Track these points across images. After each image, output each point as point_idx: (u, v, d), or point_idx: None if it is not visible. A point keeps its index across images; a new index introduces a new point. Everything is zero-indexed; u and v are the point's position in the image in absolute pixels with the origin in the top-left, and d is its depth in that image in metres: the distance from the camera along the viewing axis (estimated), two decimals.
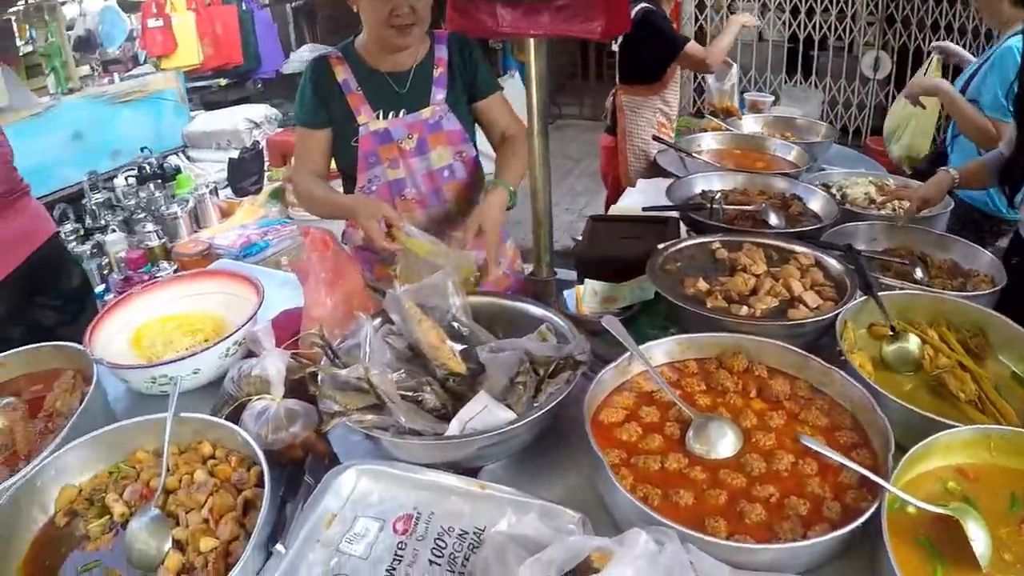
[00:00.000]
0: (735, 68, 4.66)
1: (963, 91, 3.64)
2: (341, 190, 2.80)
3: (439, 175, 2.71)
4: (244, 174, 6.16)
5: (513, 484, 1.63)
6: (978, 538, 1.44)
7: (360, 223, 2.30)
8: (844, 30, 8.34)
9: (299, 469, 1.73)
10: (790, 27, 8.55)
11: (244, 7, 8.46)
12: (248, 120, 6.86)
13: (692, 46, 4.50)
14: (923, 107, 4.13)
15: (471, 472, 1.73)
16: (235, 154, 6.26)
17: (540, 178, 2.11)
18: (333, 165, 2.78)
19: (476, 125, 2.83)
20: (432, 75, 2.67)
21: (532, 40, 1.94)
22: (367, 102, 2.62)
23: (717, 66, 4.67)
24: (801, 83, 8.75)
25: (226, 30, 8.13)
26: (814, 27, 8.42)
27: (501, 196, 2.46)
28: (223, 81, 8.37)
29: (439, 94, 2.67)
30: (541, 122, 2.05)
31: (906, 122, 4.75)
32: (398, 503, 1.60)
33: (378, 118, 2.63)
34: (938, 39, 7.62)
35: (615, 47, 4.69)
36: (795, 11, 8.43)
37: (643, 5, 4.39)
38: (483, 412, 1.61)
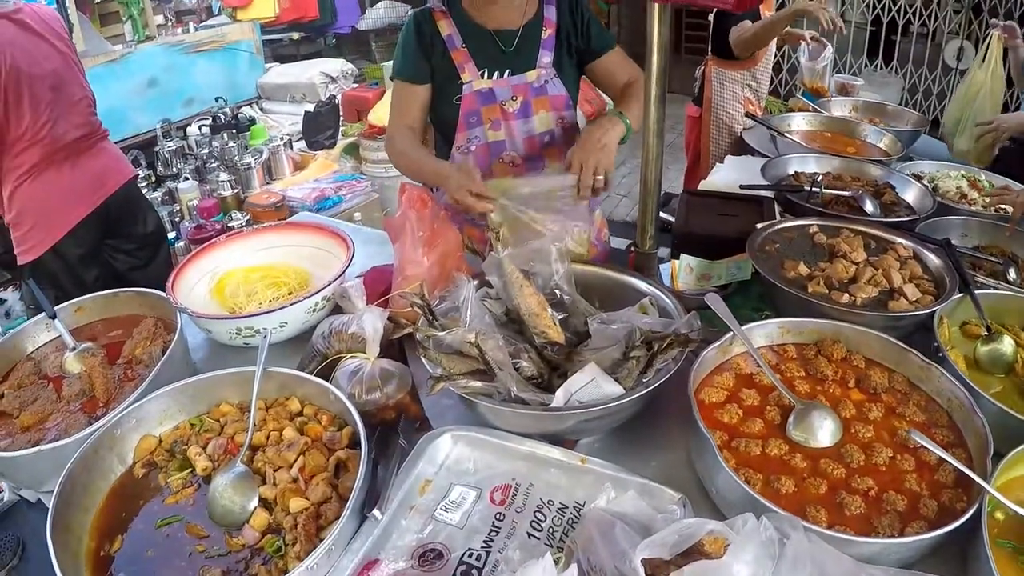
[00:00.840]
0: (829, 49, 4.52)
1: None
2: (432, 147, 2.77)
3: (539, 140, 2.65)
4: (319, 128, 6.14)
5: (608, 459, 1.61)
6: None
7: (450, 194, 2.23)
8: (928, 17, 8.12)
9: (391, 431, 1.72)
10: (873, 10, 8.34)
11: None
12: (324, 74, 6.82)
13: (739, 27, 4.38)
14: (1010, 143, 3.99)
15: (565, 444, 1.70)
16: (310, 107, 6.24)
17: (653, 147, 2.05)
18: None
19: (579, 91, 2.76)
20: (540, 37, 2.60)
21: (656, 6, 1.88)
22: (472, 60, 2.56)
23: (739, 53, 4.52)
24: (881, 68, 8.54)
25: None
26: (898, 11, 8.21)
27: (619, 125, 2.36)
28: (295, 35, 8.35)
29: (546, 57, 2.60)
30: (660, 89, 1.99)
31: (969, 113, 4.33)
32: (495, 472, 1.60)
33: (483, 77, 2.57)
34: None
35: (710, 17, 4.59)
36: None
37: None
38: (590, 385, 1.60)
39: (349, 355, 1.88)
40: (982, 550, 1.36)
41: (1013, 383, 2.02)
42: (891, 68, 8.50)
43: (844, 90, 4.94)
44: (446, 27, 2.55)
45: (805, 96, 4.77)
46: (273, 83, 6.91)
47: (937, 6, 8.04)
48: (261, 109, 6.82)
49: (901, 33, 8.38)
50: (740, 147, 4.17)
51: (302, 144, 6.23)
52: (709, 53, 4.67)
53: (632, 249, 2.21)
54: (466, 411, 1.73)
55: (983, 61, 4.11)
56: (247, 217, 5.04)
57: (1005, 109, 4.53)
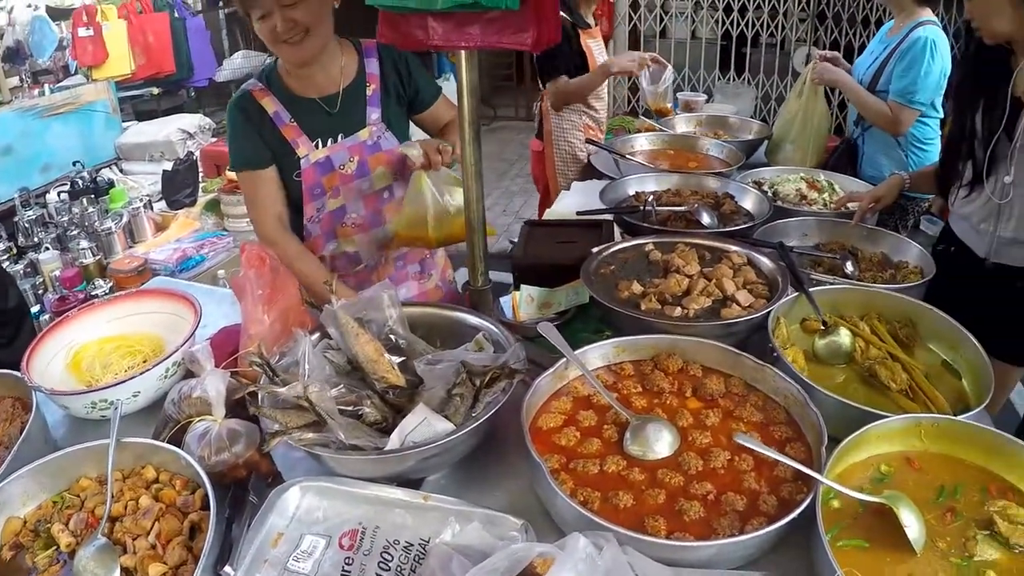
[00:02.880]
0: (669, 70, 4.58)
1: (874, 81, 3.86)
2: None
3: (379, 197, 2.66)
4: (178, 186, 6.04)
5: (456, 494, 1.66)
6: (911, 524, 1.49)
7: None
8: (776, 27, 8.48)
9: (243, 489, 1.73)
10: (723, 25, 8.66)
11: (176, 14, 8.36)
12: (181, 131, 6.73)
13: (553, 82, 4.43)
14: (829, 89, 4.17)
15: (414, 483, 1.74)
16: (168, 166, 6.15)
17: (473, 188, 2.10)
18: None
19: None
20: (365, 94, 2.61)
21: (463, 52, 1.94)
22: (303, 133, 2.55)
23: (554, 106, 4.58)
24: (735, 80, 8.85)
25: (158, 38, 8.03)
26: (747, 25, 8.54)
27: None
28: (155, 90, 8.26)
29: (374, 113, 2.61)
30: (473, 131, 2.04)
31: (792, 128, 4.29)
32: (343, 519, 1.61)
33: (317, 147, 2.56)
34: (868, 35, 7.79)
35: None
36: (728, 9, 8.54)
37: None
38: (422, 424, 1.63)
39: (198, 418, 1.88)
40: (818, 539, 1.41)
41: (855, 371, 2.12)
42: (743, 79, 8.82)
43: (688, 107, 5.09)
44: (270, 105, 2.54)
45: (651, 117, 4.90)
46: (131, 143, 6.79)
47: (784, 17, 8.38)
48: (120, 170, 6.67)
49: (751, 45, 8.70)
50: (589, 172, 4.24)
51: (163, 204, 6.12)
52: (542, 88, 4.70)
53: (466, 287, 2.26)
54: (316, 463, 1.74)
55: (801, 90, 4.23)
56: (111, 284, 4.91)
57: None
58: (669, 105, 4.82)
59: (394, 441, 1.63)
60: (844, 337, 2.17)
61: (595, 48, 4.54)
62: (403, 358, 1.90)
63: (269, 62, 2.62)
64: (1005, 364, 2.92)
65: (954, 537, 1.52)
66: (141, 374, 2.07)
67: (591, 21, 4.57)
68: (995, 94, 2.63)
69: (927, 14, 3.78)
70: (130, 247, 5.49)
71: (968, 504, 1.60)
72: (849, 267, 2.68)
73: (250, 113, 2.55)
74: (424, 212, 2.42)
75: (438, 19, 1.82)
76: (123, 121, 7.23)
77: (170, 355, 2.11)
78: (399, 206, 2.65)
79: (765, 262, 2.42)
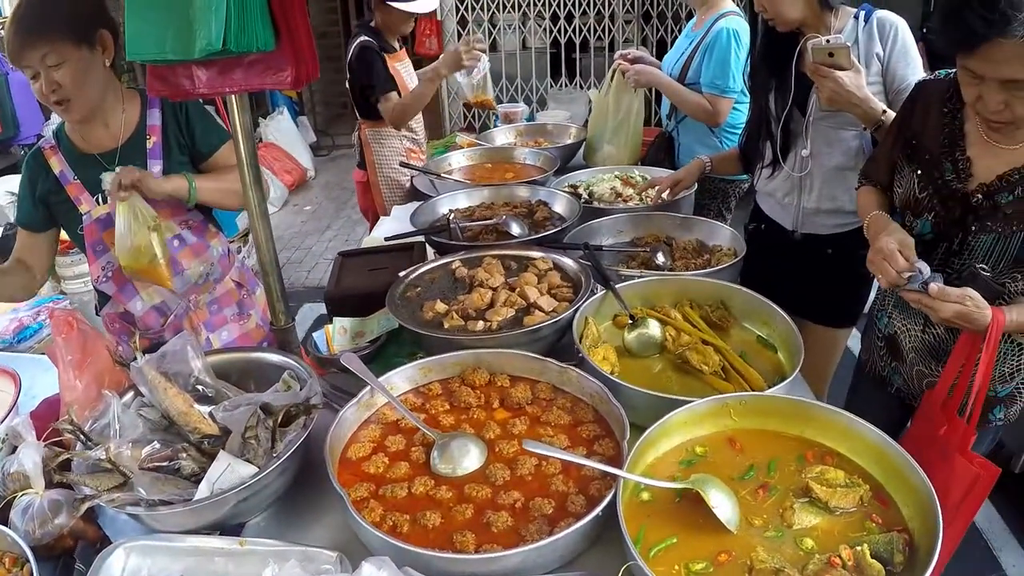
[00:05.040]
0: (484, 59, 4.49)
1: (682, 75, 3.99)
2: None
3: (169, 245, 2.62)
4: (8, 252, 5.84)
5: (279, 534, 1.72)
6: (720, 504, 1.53)
7: None
8: (604, 31, 8.75)
9: (72, 559, 1.75)
10: (552, 33, 8.86)
11: None
12: (10, 193, 6.50)
13: (385, 100, 4.38)
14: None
15: (236, 530, 1.78)
16: None
17: (261, 229, 2.11)
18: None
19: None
20: (145, 147, 2.59)
21: (235, 96, 1.99)
22: (85, 190, 2.56)
23: (396, 126, 4.54)
24: (567, 86, 9.09)
25: None
26: (574, 31, 8.77)
27: (178, 180, 2.52)
28: None
29: (156, 166, 2.59)
30: (253, 174, 2.04)
31: (606, 127, 4.30)
32: (167, 574, 1.64)
33: (99, 203, 2.57)
34: None
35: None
36: (555, 17, 8.75)
37: (361, 39, 4.37)
38: (227, 471, 1.67)
39: (21, 492, 1.89)
40: (619, 532, 1.45)
41: (668, 360, 2.21)
42: (575, 84, 9.05)
43: (508, 118, 5.18)
44: (57, 164, 2.56)
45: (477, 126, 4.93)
46: None
47: (610, 20, 8.63)
48: None
49: (581, 50, 8.93)
50: (411, 195, 4.27)
51: None
52: (359, 118, 4.69)
53: (271, 327, 2.30)
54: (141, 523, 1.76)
55: (608, 88, 4.28)
56: None
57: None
58: (490, 96, 4.78)
59: (203, 490, 1.67)
60: (653, 328, 2.26)
61: (403, 71, 4.56)
62: (213, 407, 1.94)
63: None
64: (829, 328, 3.10)
65: (771, 511, 1.58)
66: None
67: (396, 45, 4.59)
68: (783, 73, 2.81)
69: (728, 4, 3.94)
70: None
71: (785, 475, 1.66)
72: (660, 258, 2.78)
73: (35, 173, 2.59)
74: (117, 239, 2.45)
75: (201, 67, 1.86)
76: None
77: None
78: (191, 254, 2.71)
79: (571, 264, 2.50)
